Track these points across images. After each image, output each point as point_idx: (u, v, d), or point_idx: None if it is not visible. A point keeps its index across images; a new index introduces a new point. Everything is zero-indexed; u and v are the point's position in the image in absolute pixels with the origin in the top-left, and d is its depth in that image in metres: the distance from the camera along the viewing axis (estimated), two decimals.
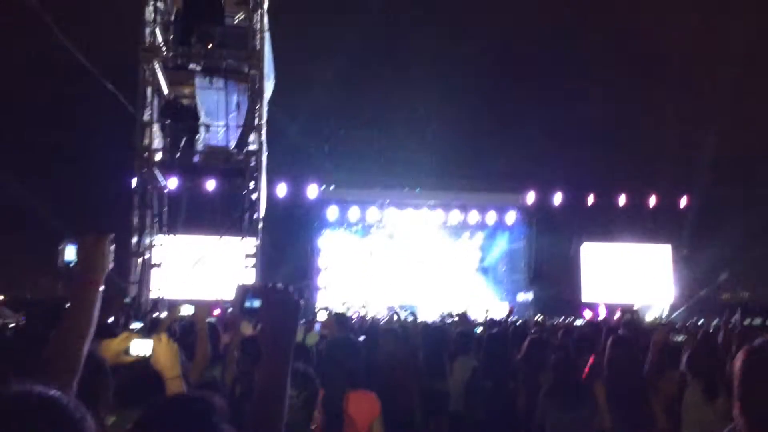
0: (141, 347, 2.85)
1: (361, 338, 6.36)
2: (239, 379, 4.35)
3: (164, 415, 1.60)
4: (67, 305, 2.07)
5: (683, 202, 24.22)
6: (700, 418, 4.73)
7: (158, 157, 16.23)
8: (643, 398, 4.79)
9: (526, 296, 23.83)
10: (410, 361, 6.05)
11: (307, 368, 2.90)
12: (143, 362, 2.80)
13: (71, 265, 2.23)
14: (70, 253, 2.27)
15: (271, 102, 17.28)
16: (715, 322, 10.37)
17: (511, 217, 24.54)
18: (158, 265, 16.12)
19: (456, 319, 9.19)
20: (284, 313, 1.79)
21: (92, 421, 1.22)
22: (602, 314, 17.36)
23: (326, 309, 7.84)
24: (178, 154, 16.23)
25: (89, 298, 2.05)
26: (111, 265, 2.16)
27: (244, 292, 1.89)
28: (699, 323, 12.00)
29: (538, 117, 28.65)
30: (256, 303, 1.85)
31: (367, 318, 12.63)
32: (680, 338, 6.46)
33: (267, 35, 16.46)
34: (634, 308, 17.86)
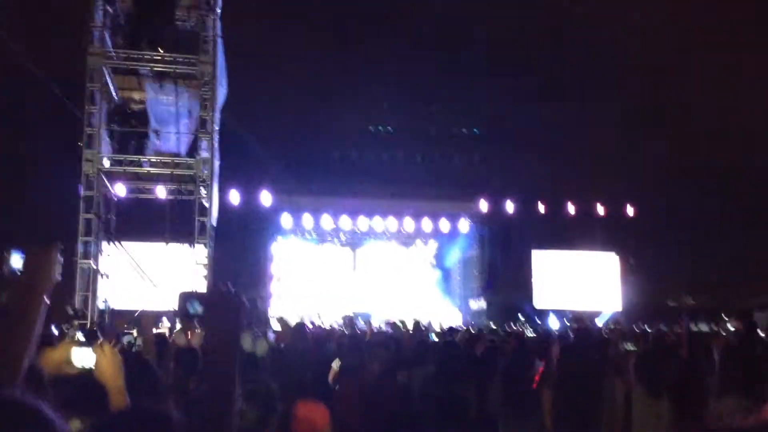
0: (83, 357, 2.77)
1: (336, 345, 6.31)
2: (175, 389, 4.25)
3: (123, 427, 1.56)
4: (8, 315, 2.00)
5: (629, 211, 24.82)
6: (647, 421, 4.83)
7: (106, 163, 15.87)
8: (591, 404, 4.87)
9: (479, 304, 24.04)
10: (360, 371, 6.02)
11: (271, 385, 2.84)
12: (86, 373, 2.72)
13: (16, 273, 2.16)
14: (16, 261, 2.20)
15: (224, 109, 17.09)
16: (659, 328, 10.63)
17: (463, 225, 24.75)
18: (104, 274, 15.74)
19: (408, 328, 9.19)
20: (227, 315, 1.74)
21: (64, 423, 1.20)
22: (553, 323, 17.66)
23: (280, 318, 7.76)
24: (126, 161, 15.91)
25: (33, 309, 1.98)
26: (58, 277, 2.09)
27: (186, 298, 1.86)
28: (644, 329, 12.29)
29: (488, 125, 29.03)
30: (199, 308, 1.82)
31: (322, 326, 12.55)
32: (629, 345, 6.60)
33: (219, 41, 16.29)
34: (586, 316, 18.21)
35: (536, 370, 5.31)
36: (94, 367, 2.72)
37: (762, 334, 7.13)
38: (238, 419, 2.53)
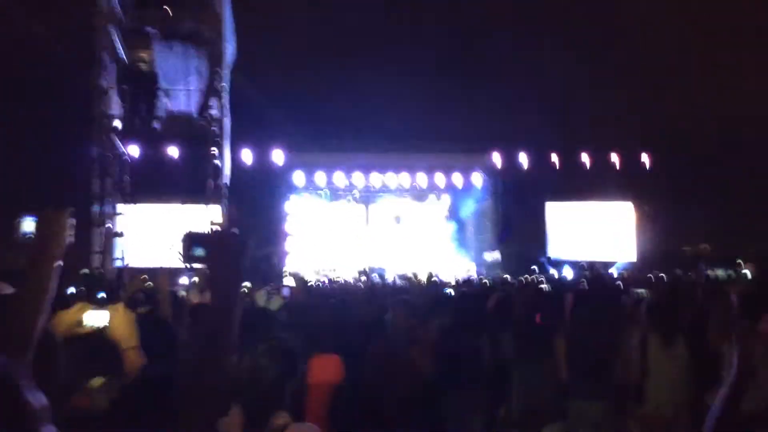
0: (96, 318, 2.81)
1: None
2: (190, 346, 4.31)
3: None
4: (22, 279, 2.02)
5: (645, 159, 24.56)
6: (662, 367, 4.86)
7: (117, 124, 15.87)
8: (605, 351, 4.90)
9: (493, 256, 24.09)
10: (378, 324, 6.08)
11: (291, 343, 2.87)
12: (98, 333, 2.76)
13: (28, 237, 2.17)
14: (28, 225, 2.21)
15: (234, 67, 16.96)
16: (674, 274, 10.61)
17: (477, 178, 24.64)
18: (120, 234, 15.89)
19: (421, 280, 9.24)
20: (228, 255, 1.74)
21: (38, 393, 1.18)
22: (567, 273, 17.67)
23: (294, 274, 7.80)
24: (137, 121, 15.90)
25: (46, 272, 2.00)
26: (71, 240, 2.10)
27: (190, 240, 1.85)
28: (659, 276, 12.25)
29: (501, 77, 28.61)
30: (200, 251, 1.80)
31: (337, 281, 12.66)
32: (641, 291, 6.60)
33: None
34: (600, 265, 18.20)
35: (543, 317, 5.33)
36: (107, 327, 2.76)
37: None
38: (237, 361, 2.56)
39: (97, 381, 2.36)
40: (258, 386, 2.63)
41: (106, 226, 15.71)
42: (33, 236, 2.09)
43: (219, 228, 1.83)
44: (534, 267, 19.48)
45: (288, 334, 4.09)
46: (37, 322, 1.92)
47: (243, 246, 1.77)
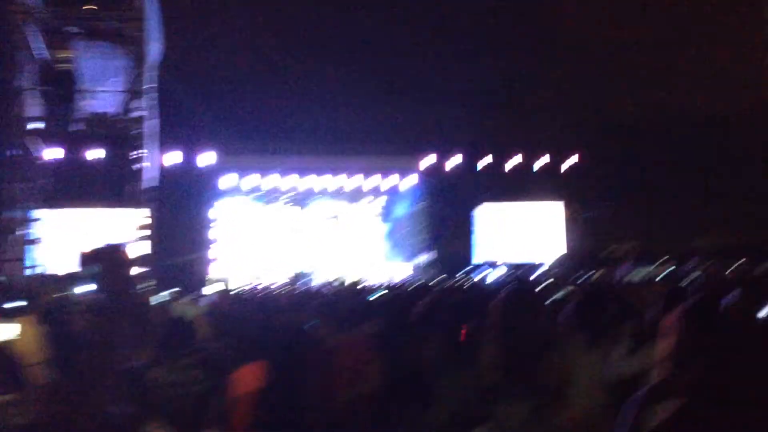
0: (3, 331, 2.66)
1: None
2: None
3: None
4: None
5: (574, 160, 25.18)
6: (586, 368, 4.89)
7: (35, 125, 15.20)
8: (531, 353, 4.89)
9: (426, 257, 24.24)
10: (303, 331, 5.95)
11: (223, 351, 2.75)
12: (2, 347, 2.59)
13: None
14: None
15: (162, 66, 16.49)
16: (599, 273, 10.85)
17: (410, 180, 24.76)
18: (36, 241, 15.21)
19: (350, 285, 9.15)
20: (113, 270, 1.70)
21: None
22: (497, 275, 17.92)
23: (218, 281, 7.60)
24: (59, 123, 15.28)
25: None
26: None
27: (87, 258, 1.80)
28: (587, 275, 12.52)
29: (432, 80, 28.91)
30: (95, 268, 1.74)
31: (264, 288, 12.43)
32: (568, 291, 6.65)
33: None
34: (528, 266, 18.54)
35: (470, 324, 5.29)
36: (14, 340, 2.61)
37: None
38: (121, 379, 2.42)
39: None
40: (185, 399, 2.50)
41: (21, 232, 14.99)
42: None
43: (111, 243, 1.77)
44: (465, 269, 19.70)
45: (213, 344, 3.93)
46: None
47: (124, 259, 1.71)
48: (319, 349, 6.18)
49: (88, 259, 1.78)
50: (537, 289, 7.69)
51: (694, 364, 2.18)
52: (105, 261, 1.72)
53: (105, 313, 1.68)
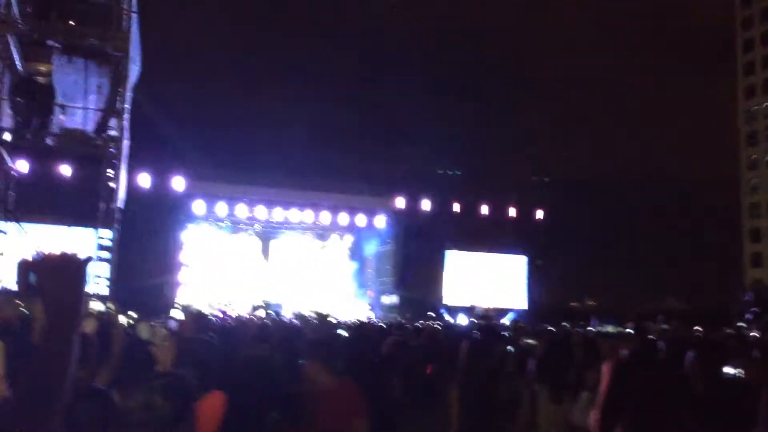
0: None
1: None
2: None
3: None
4: None
5: (539, 215, 25.59)
6: (549, 419, 4.95)
7: (6, 136, 14.97)
8: (496, 402, 4.94)
9: (390, 299, 24.21)
10: (267, 361, 5.89)
11: (186, 375, 2.66)
12: None
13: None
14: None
15: (136, 88, 16.45)
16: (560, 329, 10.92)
17: (380, 220, 24.83)
18: (0, 253, 14.87)
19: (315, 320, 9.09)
20: (64, 279, 1.57)
21: None
22: (462, 321, 17.96)
23: (182, 307, 7.48)
24: (29, 135, 15.07)
25: None
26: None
27: (25, 268, 1.64)
28: (549, 329, 12.62)
29: (407, 125, 29.30)
30: (40, 277, 1.60)
31: (232, 316, 12.27)
32: (531, 341, 6.73)
33: (135, 17, 15.65)
34: (492, 314, 18.62)
35: (435, 367, 5.33)
36: None
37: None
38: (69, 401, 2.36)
39: None
40: (150, 426, 2.44)
41: None
42: None
43: (54, 252, 1.62)
44: (430, 313, 19.69)
45: (177, 370, 3.87)
46: None
47: (81, 270, 1.61)
48: (283, 380, 6.13)
49: (30, 266, 1.66)
50: (501, 339, 7.75)
51: (622, 414, 2.24)
52: (54, 272, 1.59)
53: (54, 327, 1.54)
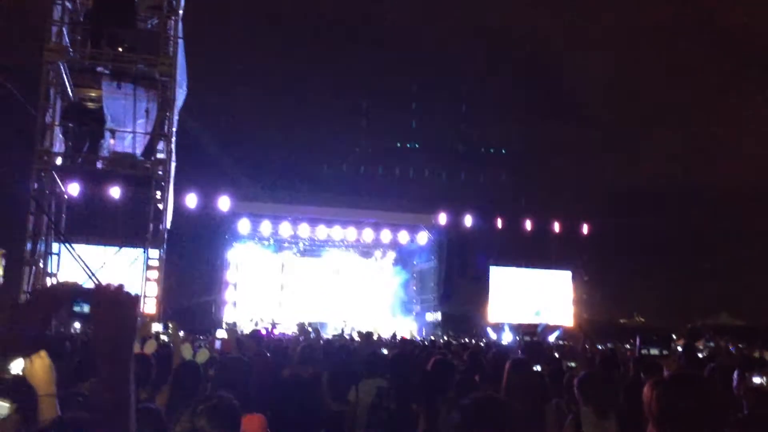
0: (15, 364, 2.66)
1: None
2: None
3: None
4: None
5: (584, 229, 25.17)
6: None
7: (59, 161, 15.48)
8: (539, 421, 4.86)
9: (434, 316, 24.09)
10: (313, 381, 5.93)
11: (232, 400, 2.67)
12: (17, 378, 2.60)
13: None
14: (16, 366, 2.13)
15: (182, 111, 16.84)
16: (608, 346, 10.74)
17: (422, 237, 24.80)
18: (53, 275, 15.30)
19: (358, 339, 9.09)
20: (119, 316, 1.59)
21: None
22: (507, 338, 17.77)
23: (228, 326, 7.58)
24: (80, 159, 15.54)
25: (46, 411, 1.94)
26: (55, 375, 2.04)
27: (73, 293, 1.67)
28: (595, 347, 12.41)
29: (452, 140, 29.26)
30: (85, 307, 1.63)
31: (276, 334, 12.40)
32: (575, 364, 6.62)
33: (180, 42, 16.06)
34: (538, 331, 18.35)
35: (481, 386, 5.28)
36: (28, 371, 2.61)
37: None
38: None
39: (2, 406, 2.20)
40: None
41: (39, 265, 15.11)
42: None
43: (107, 283, 1.64)
44: (474, 330, 19.55)
45: (222, 391, 3.91)
46: None
47: (133, 304, 1.63)
48: (327, 399, 6.16)
49: (81, 295, 1.68)
50: (546, 358, 7.65)
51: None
52: (105, 302, 1.61)
53: (106, 360, 1.56)
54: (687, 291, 25.34)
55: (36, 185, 15.25)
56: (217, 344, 6.51)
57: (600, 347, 11.52)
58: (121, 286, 1.62)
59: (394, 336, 13.83)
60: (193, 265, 20.06)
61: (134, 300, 1.63)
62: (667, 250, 26.67)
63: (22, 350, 1.73)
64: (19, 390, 2.53)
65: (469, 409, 2.14)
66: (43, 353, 2.72)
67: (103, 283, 1.65)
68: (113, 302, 1.60)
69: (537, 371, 5.10)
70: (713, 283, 24.76)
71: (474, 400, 2.18)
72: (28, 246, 15.11)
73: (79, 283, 1.68)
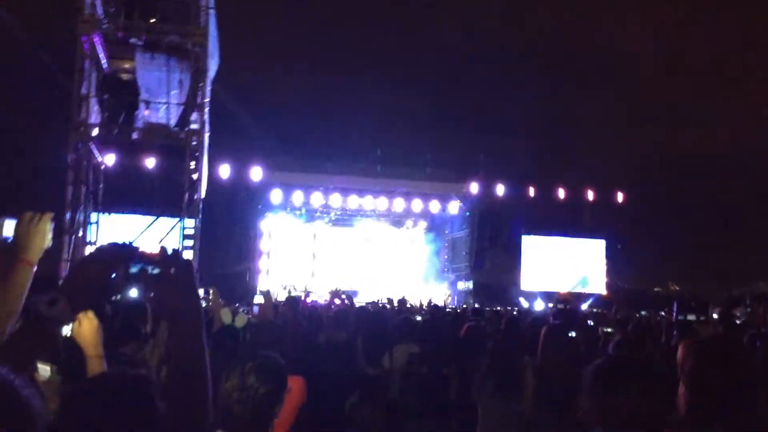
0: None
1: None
2: (166, 361, 4.23)
3: (100, 390, 1.53)
4: None
5: (619, 197, 24.87)
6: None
7: (95, 132, 15.72)
8: (574, 388, 4.89)
9: (466, 284, 24.14)
10: (347, 346, 6.02)
11: (279, 358, 2.75)
12: (66, 339, 2.69)
13: (8, 241, 2.13)
14: (8, 228, 2.16)
15: (215, 81, 16.92)
16: (643, 314, 10.70)
17: (453, 206, 24.76)
18: (92, 243, 15.67)
19: (394, 305, 9.18)
20: (184, 279, 1.64)
21: (41, 399, 1.18)
22: (539, 306, 17.74)
23: (264, 293, 7.71)
24: (116, 130, 15.77)
25: (21, 276, 1.99)
26: (49, 245, 2.08)
27: (130, 255, 1.71)
28: (629, 314, 12.35)
29: (483, 108, 28.96)
30: (156, 269, 1.66)
31: (309, 302, 12.54)
32: (610, 331, 6.61)
33: (212, 12, 16.07)
34: (572, 298, 18.28)
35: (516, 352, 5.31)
36: (72, 334, 2.69)
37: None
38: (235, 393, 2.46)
39: (43, 368, 2.28)
40: (245, 407, 2.52)
41: (78, 234, 15.48)
42: (12, 239, 2.07)
43: (167, 249, 1.68)
44: (509, 297, 19.54)
45: (266, 352, 4.00)
46: (6, 323, 1.88)
47: (190, 265, 1.66)
48: (360, 365, 6.26)
49: (135, 258, 1.73)
50: (581, 325, 7.65)
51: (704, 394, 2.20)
52: (170, 269, 1.64)
53: (180, 330, 1.62)
54: (722, 260, 24.97)
55: (73, 156, 15.54)
56: (255, 310, 6.63)
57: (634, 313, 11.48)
58: (179, 251, 1.69)
59: (429, 303, 13.91)
60: (227, 234, 20.35)
61: (189, 263, 1.68)
62: (703, 219, 26.23)
63: (79, 311, 1.79)
64: (68, 351, 2.63)
65: (604, 370, 2.13)
66: (90, 314, 2.81)
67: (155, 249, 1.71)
68: (178, 264, 1.65)
69: (572, 337, 5.11)
70: (749, 252, 24.35)
71: (610, 360, 2.17)
72: (68, 216, 15.46)
73: (135, 245, 1.73)
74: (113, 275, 1.71)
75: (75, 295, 1.69)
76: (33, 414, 1.14)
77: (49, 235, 2.11)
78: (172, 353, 1.64)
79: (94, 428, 1.43)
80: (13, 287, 1.96)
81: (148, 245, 1.91)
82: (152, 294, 1.68)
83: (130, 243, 1.74)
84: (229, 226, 20.56)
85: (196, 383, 1.58)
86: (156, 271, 1.64)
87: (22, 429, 1.12)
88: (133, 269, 1.69)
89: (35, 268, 2.05)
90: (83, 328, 2.69)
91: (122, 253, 1.71)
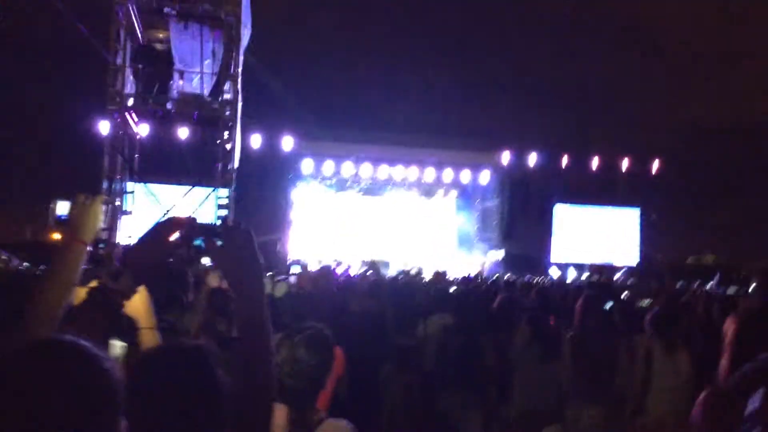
0: None
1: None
2: (204, 329, 4.34)
3: (163, 361, 1.58)
4: (52, 261, 2.06)
5: (655, 166, 24.45)
6: (663, 372, 4.88)
7: (130, 102, 15.90)
8: (609, 358, 4.91)
9: (497, 255, 24.09)
10: (380, 317, 6.09)
11: (325, 330, 2.80)
12: None
13: (62, 220, 2.21)
14: (62, 209, 2.25)
15: (247, 50, 16.93)
16: (678, 285, 10.58)
17: (485, 176, 24.61)
18: (129, 212, 15.96)
19: (422, 276, 9.20)
20: (246, 250, 1.67)
21: (119, 369, 1.22)
22: (571, 277, 17.66)
23: (300, 263, 7.80)
24: (150, 100, 15.92)
25: (75, 256, 2.05)
26: (101, 226, 2.15)
27: (192, 227, 1.74)
28: (665, 285, 12.23)
29: (515, 77, 28.57)
30: (221, 241, 1.70)
31: (341, 272, 12.66)
32: (645, 303, 6.58)
33: None
34: (606, 269, 18.17)
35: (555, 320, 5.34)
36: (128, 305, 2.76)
37: None
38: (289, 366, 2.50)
39: (116, 345, 2.34)
40: (297, 380, 2.58)
41: (115, 203, 15.78)
42: (66, 219, 2.14)
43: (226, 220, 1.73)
44: (542, 267, 19.45)
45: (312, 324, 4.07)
46: (63, 302, 1.95)
47: (250, 236, 1.69)
48: (395, 335, 6.32)
49: (207, 229, 1.76)
50: (618, 296, 7.63)
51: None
52: (234, 239, 1.67)
53: (244, 300, 1.65)
54: (759, 230, 24.49)
55: (110, 126, 15.75)
56: (292, 279, 6.73)
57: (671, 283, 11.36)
58: (238, 224, 1.72)
59: (465, 275, 13.94)
60: (259, 204, 20.50)
61: (249, 233, 1.70)
62: (738, 188, 25.71)
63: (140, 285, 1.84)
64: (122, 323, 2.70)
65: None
66: (142, 289, 2.88)
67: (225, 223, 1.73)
68: (240, 234, 1.68)
69: (608, 308, 5.11)
70: None
71: None
72: (105, 185, 15.74)
73: (195, 218, 1.77)
74: (177, 248, 1.76)
75: (136, 269, 1.74)
76: (116, 387, 1.18)
77: (101, 216, 2.17)
78: (239, 325, 1.68)
79: (158, 401, 1.49)
80: (69, 266, 2.03)
81: (184, 215, 1.94)
82: (217, 264, 1.72)
83: (190, 216, 1.77)
84: (260, 195, 20.71)
85: (264, 355, 1.62)
86: (220, 242, 1.67)
87: (106, 402, 1.16)
88: (197, 242, 1.72)
89: (89, 248, 2.12)
90: (135, 299, 2.77)
91: (187, 227, 1.74)
